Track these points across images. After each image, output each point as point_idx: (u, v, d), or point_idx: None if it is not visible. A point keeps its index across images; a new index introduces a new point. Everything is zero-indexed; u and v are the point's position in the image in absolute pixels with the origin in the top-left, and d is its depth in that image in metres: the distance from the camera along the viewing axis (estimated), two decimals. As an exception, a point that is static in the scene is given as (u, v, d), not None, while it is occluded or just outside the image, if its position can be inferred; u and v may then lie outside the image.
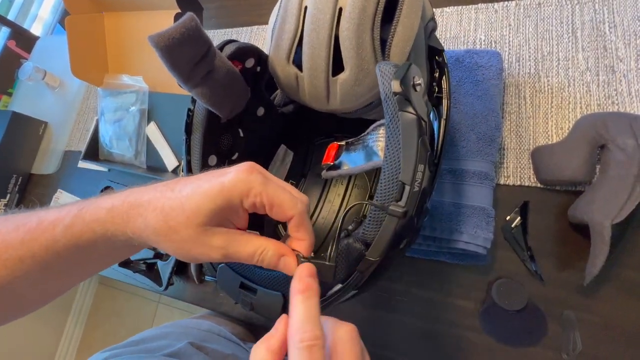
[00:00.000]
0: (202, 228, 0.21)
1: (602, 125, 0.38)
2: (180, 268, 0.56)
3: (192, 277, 0.54)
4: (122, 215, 0.22)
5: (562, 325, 0.39)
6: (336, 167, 0.34)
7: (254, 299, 0.29)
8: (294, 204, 0.22)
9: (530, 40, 0.48)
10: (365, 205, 0.41)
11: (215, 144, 0.33)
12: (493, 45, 0.50)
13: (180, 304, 1.37)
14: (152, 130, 0.63)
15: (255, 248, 0.22)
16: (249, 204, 0.22)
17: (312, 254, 0.24)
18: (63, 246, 0.23)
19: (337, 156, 0.34)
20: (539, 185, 0.43)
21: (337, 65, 0.30)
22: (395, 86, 0.24)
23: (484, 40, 0.51)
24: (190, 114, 0.32)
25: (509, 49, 0.49)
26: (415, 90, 0.25)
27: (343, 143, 0.34)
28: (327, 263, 0.24)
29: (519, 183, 0.44)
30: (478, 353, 0.41)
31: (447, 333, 0.42)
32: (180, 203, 0.21)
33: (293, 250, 0.23)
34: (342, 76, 0.30)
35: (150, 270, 0.59)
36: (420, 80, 0.25)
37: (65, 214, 0.23)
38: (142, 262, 0.59)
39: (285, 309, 0.28)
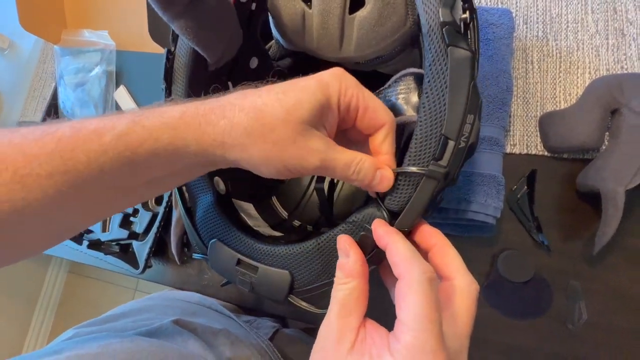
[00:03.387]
0: (302, 126, 0.19)
1: (616, 88, 0.36)
2: (159, 249, 0.51)
3: (173, 257, 0.49)
4: (198, 119, 0.19)
5: (567, 295, 0.38)
6: None
7: (255, 278, 0.25)
8: (387, 111, 0.21)
9: (539, 1, 0.46)
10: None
11: (201, 96, 0.28)
12: (500, 6, 0.47)
13: (159, 289, 1.31)
14: (122, 95, 0.56)
15: (353, 157, 0.20)
16: (345, 103, 0.20)
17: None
18: (112, 159, 0.19)
19: None
20: (546, 153, 0.41)
21: (355, 1, 0.25)
22: (445, 14, 0.20)
23: (492, 0, 0.47)
24: (170, 57, 0.26)
25: (517, 10, 0.46)
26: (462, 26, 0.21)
27: None
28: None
29: (525, 151, 0.42)
30: (483, 326, 0.39)
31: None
32: (275, 98, 0.19)
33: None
34: (361, 13, 0.25)
35: (124, 252, 0.53)
36: (466, 14, 0.20)
37: (114, 122, 0.19)
38: (114, 243, 0.53)
39: (292, 288, 0.24)
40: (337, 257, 0.23)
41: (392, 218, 0.22)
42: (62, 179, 0.18)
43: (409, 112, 0.24)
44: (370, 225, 0.22)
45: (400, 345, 0.17)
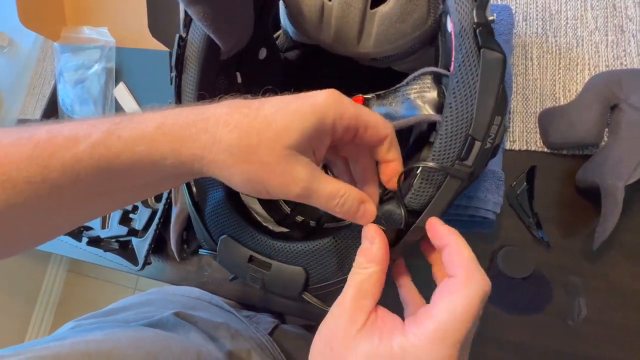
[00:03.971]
0: (288, 152, 0.18)
1: (616, 84, 0.36)
2: (158, 245, 0.51)
3: (173, 254, 0.49)
4: (177, 132, 0.18)
5: (567, 291, 0.38)
6: None
7: (267, 275, 0.25)
8: (386, 124, 0.21)
9: (538, -3, 0.46)
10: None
11: (212, 87, 0.27)
12: (500, 2, 0.47)
13: (158, 287, 1.31)
14: (121, 92, 0.55)
15: (338, 189, 0.20)
16: (342, 126, 0.19)
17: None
18: (87, 168, 0.18)
19: None
20: (545, 149, 0.41)
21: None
22: (479, 15, 0.20)
23: (490, -3, 0.47)
24: (181, 44, 0.25)
25: (516, 7, 0.46)
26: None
27: (370, 95, 0.28)
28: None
29: (525, 148, 0.42)
30: (481, 323, 0.39)
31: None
32: (264, 120, 0.18)
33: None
34: (383, 8, 0.25)
35: (123, 248, 0.53)
36: (494, 16, 0.20)
37: (89, 129, 0.18)
38: (114, 240, 0.53)
39: (307, 284, 0.24)
40: (353, 254, 0.23)
41: (411, 217, 0.21)
42: (40, 185, 0.18)
43: (426, 111, 0.24)
44: (385, 222, 0.22)
45: (420, 329, 0.18)
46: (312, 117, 0.18)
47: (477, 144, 0.20)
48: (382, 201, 0.23)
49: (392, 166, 0.21)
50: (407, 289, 0.23)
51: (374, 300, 0.20)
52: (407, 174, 0.22)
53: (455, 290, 0.18)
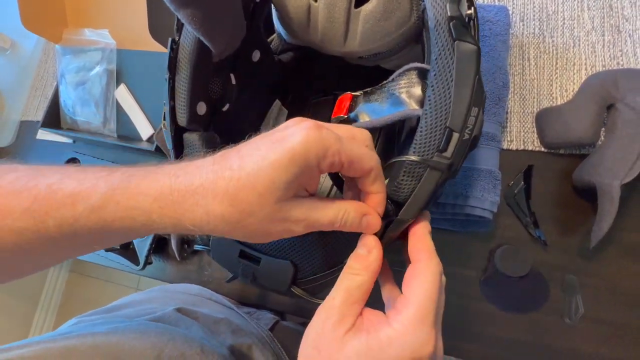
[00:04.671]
0: (280, 204, 0.19)
1: (612, 83, 0.37)
2: (159, 246, 0.52)
3: (173, 253, 0.49)
4: (173, 206, 0.19)
5: (564, 289, 0.38)
6: (350, 120, 0.29)
7: (257, 269, 0.25)
8: (371, 155, 0.20)
9: (535, -2, 0.46)
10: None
11: (204, 88, 0.28)
12: (497, 3, 0.47)
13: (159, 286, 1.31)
14: (122, 94, 0.56)
15: (337, 212, 0.20)
16: (326, 165, 0.19)
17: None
18: (84, 227, 0.19)
19: (350, 109, 0.29)
20: (542, 149, 0.41)
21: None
22: (452, 9, 0.20)
23: (488, -2, 0.48)
24: (174, 47, 0.26)
25: (513, 8, 0.46)
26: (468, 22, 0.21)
27: (358, 93, 0.29)
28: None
29: (522, 147, 0.42)
30: (480, 321, 0.40)
31: (449, 302, 0.40)
32: (247, 182, 0.18)
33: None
34: (367, 7, 0.25)
35: (125, 248, 0.53)
36: (472, 10, 0.21)
37: (89, 189, 0.19)
38: (115, 240, 0.54)
39: (295, 278, 0.25)
40: (339, 249, 0.24)
41: (397, 209, 0.22)
42: (33, 237, 0.19)
43: (412, 106, 0.24)
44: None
45: (402, 316, 0.19)
46: (293, 167, 0.18)
47: (455, 136, 0.20)
48: None
49: (376, 198, 0.21)
50: (389, 286, 0.24)
51: (362, 305, 0.21)
52: (389, 169, 0.23)
53: (422, 272, 0.20)
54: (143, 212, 0.19)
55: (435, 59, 0.21)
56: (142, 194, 0.19)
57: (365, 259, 0.21)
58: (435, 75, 0.21)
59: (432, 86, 0.21)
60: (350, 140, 0.20)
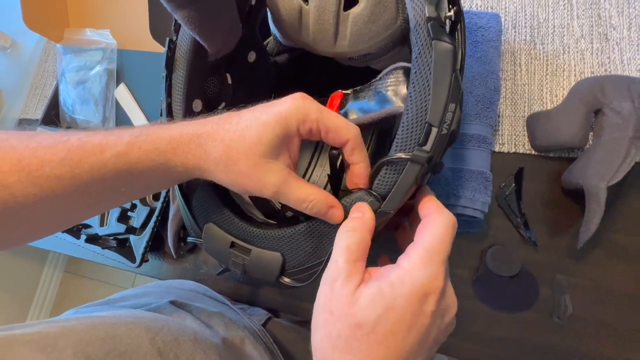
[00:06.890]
0: (262, 160, 0.22)
1: (599, 89, 0.38)
2: (156, 243, 0.52)
3: (170, 251, 0.50)
4: (182, 147, 0.23)
5: (553, 289, 0.39)
6: None
7: (247, 260, 0.26)
8: (349, 128, 0.23)
9: (527, 6, 0.47)
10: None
11: (201, 86, 0.29)
12: (490, 10, 0.48)
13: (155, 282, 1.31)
14: (122, 93, 0.57)
15: (307, 195, 0.23)
16: (305, 130, 0.22)
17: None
18: (112, 171, 0.22)
19: (341, 106, 0.30)
20: (533, 152, 0.43)
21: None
22: (430, 11, 0.21)
23: (481, 6, 0.49)
24: (171, 47, 0.27)
25: (505, 15, 0.48)
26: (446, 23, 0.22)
27: (349, 91, 0.30)
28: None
29: (513, 150, 0.43)
30: (472, 320, 0.40)
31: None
32: (240, 134, 0.22)
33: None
34: (355, 10, 0.27)
35: (121, 246, 0.54)
36: (452, 12, 0.22)
37: (115, 139, 0.23)
38: (112, 237, 0.54)
39: (284, 269, 0.25)
40: (327, 240, 0.25)
41: (381, 202, 0.23)
42: (69, 182, 0.22)
43: (398, 103, 0.25)
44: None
45: (410, 256, 0.20)
46: (277, 127, 0.21)
47: (434, 130, 0.21)
48: (351, 191, 0.25)
49: (356, 168, 0.23)
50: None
51: (364, 262, 0.21)
52: (378, 169, 0.24)
53: (432, 222, 0.22)
54: (160, 153, 0.23)
55: (416, 57, 0.22)
56: (159, 138, 0.23)
57: (359, 219, 0.22)
58: (415, 73, 0.22)
59: (413, 83, 0.22)
60: (330, 113, 0.22)
